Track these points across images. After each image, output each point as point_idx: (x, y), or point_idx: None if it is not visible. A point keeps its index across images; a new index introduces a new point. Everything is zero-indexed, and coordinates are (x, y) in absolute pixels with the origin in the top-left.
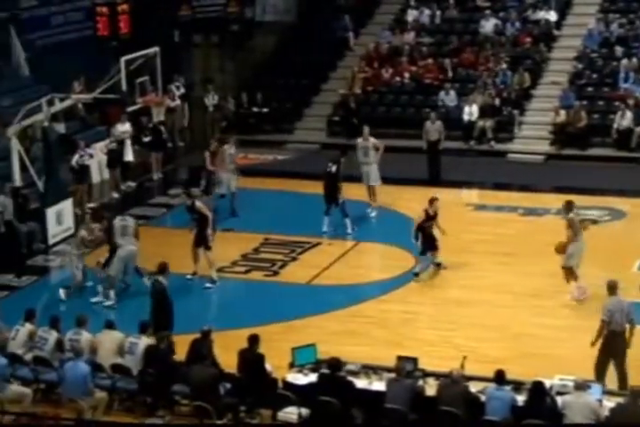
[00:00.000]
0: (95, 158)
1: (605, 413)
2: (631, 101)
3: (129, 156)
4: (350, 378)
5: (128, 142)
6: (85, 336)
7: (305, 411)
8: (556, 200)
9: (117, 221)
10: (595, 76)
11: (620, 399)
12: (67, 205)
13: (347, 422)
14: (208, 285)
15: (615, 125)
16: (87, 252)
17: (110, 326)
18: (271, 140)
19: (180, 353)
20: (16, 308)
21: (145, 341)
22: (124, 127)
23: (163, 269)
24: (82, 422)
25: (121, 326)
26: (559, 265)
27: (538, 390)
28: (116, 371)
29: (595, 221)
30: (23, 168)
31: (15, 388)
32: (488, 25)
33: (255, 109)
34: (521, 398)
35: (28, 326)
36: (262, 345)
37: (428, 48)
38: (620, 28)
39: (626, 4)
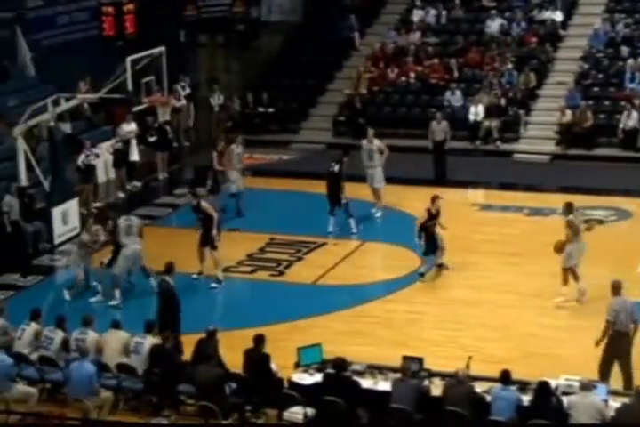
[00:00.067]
0: (101, 158)
1: (611, 413)
2: (637, 101)
3: (134, 155)
4: (356, 378)
5: (134, 142)
6: (91, 336)
7: (310, 411)
8: (561, 200)
9: (122, 221)
10: (600, 76)
11: (626, 399)
12: (72, 205)
13: (352, 422)
14: (214, 284)
15: (621, 125)
16: (90, 252)
17: (116, 325)
18: (277, 140)
19: (186, 353)
20: (22, 307)
21: (150, 340)
22: (130, 127)
23: (169, 268)
24: (87, 421)
25: (126, 326)
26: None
27: (543, 390)
28: (122, 371)
29: (600, 222)
30: (29, 168)
31: (21, 387)
32: (494, 25)
33: (261, 109)
34: (526, 399)
35: (34, 326)
36: (268, 345)
37: (433, 48)
38: (626, 28)
39: (632, 4)
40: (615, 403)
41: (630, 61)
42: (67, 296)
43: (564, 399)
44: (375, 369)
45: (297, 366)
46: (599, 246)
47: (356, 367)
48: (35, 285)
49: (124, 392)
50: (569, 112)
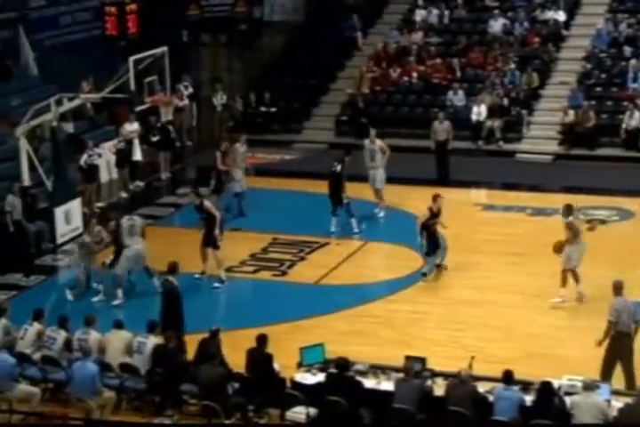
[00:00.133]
0: (104, 158)
1: (614, 413)
2: None
3: (137, 155)
4: (358, 378)
5: (136, 142)
6: (94, 336)
7: (313, 411)
8: (564, 200)
9: (125, 221)
10: (603, 76)
11: (629, 400)
12: (75, 205)
13: (355, 421)
14: (216, 284)
15: (624, 125)
16: (91, 252)
17: (119, 325)
18: (279, 139)
19: (189, 353)
20: (24, 307)
21: (153, 340)
22: (133, 127)
23: (173, 268)
24: (90, 421)
25: (129, 326)
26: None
27: (546, 390)
28: (125, 370)
29: (603, 221)
30: (32, 168)
31: (24, 387)
32: (496, 25)
33: (263, 109)
34: (529, 399)
35: (37, 326)
36: (270, 345)
37: (436, 48)
38: (629, 28)
39: (634, 5)
40: (618, 403)
41: (633, 61)
42: (69, 296)
43: (567, 399)
44: (378, 369)
45: (299, 365)
46: (601, 246)
47: (358, 367)
48: (37, 285)
49: (126, 392)
50: (571, 112)
